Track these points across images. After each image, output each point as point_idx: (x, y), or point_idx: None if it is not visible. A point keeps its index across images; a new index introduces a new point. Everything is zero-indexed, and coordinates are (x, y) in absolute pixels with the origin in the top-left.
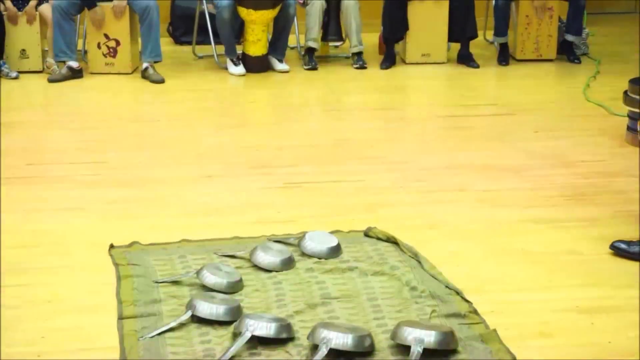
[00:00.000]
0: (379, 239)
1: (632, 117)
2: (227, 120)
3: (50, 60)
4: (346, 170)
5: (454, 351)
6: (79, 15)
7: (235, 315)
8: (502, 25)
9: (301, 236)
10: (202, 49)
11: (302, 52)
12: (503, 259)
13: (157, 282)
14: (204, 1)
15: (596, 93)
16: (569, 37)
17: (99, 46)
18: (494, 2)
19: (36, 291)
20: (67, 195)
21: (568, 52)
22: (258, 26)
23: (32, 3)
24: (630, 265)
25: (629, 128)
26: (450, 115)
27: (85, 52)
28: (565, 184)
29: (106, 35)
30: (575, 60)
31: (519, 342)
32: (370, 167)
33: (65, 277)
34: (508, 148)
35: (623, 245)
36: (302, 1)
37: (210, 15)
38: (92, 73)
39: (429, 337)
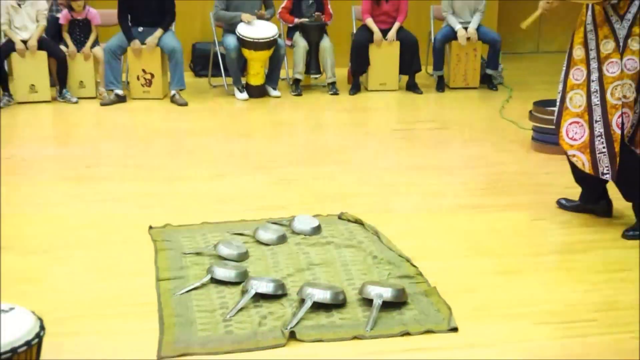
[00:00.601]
0: (349, 220)
1: (536, 130)
2: (235, 133)
3: (101, 89)
4: (324, 170)
5: (405, 303)
6: (122, 55)
7: (243, 278)
8: (439, 62)
9: (291, 219)
10: (215, 80)
11: (290, 82)
12: (441, 235)
13: (184, 254)
14: (217, 44)
15: (509, 113)
16: (489, 71)
17: (138, 78)
18: (433, 45)
19: (94, 260)
20: (114, 189)
21: (488, 82)
22: (257, 63)
23: (88, 45)
24: (535, 238)
25: (533, 138)
26: (401, 129)
27: (128, 82)
28: (486, 180)
29: (144, 70)
30: (494, 88)
31: (452, 296)
32: (341, 168)
33: (115, 249)
34: (444, 153)
35: (565, 201)
36: (289, 43)
37: (222, 55)
38: (133, 98)
39: (387, 293)
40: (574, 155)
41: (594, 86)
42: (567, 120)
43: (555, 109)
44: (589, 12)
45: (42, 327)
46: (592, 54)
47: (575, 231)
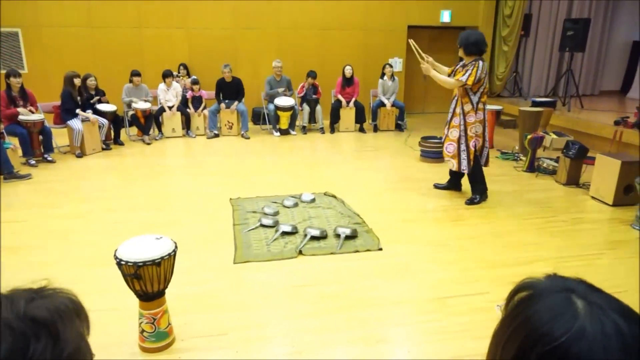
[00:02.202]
0: (329, 195)
1: (422, 151)
2: (272, 153)
3: (207, 130)
4: (317, 170)
5: (356, 236)
6: (217, 113)
7: (276, 224)
8: (375, 117)
9: (300, 194)
10: (263, 126)
11: (301, 127)
12: (374, 202)
13: (247, 212)
14: (265, 108)
15: (409, 142)
16: (399, 122)
17: (225, 125)
18: (372, 108)
19: (200, 214)
20: (212, 179)
21: (399, 128)
22: (284, 117)
23: (200, 109)
24: (420, 204)
25: (421, 155)
26: (355, 151)
27: (220, 127)
28: (397, 175)
29: (228, 121)
30: (402, 131)
31: (379, 232)
32: (326, 169)
33: (212, 209)
34: (377, 162)
35: (438, 184)
36: (300, 108)
37: (267, 113)
38: (222, 135)
39: (347, 231)
40: (449, 160)
41: (462, 126)
42: (445, 143)
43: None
44: (459, 91)
45: (176, 246)
46: (458, 110)
47: (441, 200)
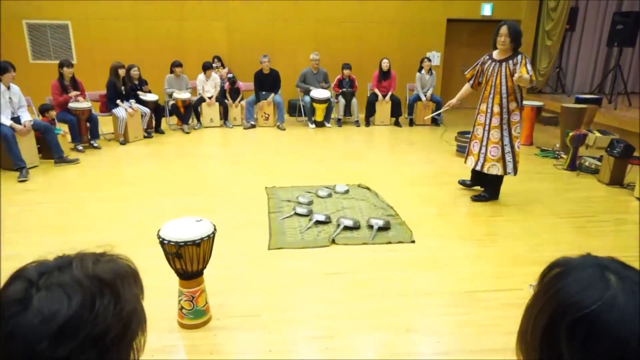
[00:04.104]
0: (363, 187)
1: (458, 146)
2: (307, 144)
3: (244, 121)
4: (349, 162)
5: (389, 228)
6: (255, 105)
7: (310, 213)
8: (411, 111)
9: (334, 185)
10: (299, 118)
11: (336, 120)
12: (408, 195)
13: (282, 200)
14: (300, 100)
15: (445, 137)
16: (435, 115)
17: (262, 116)
18: (408, 102)
19: (237, 202)
20: (248, 168)
21: (435, 122)
22: (320, 110)
23: (237, 100)
24: (452, 198)
25: (456, 150)
26: (391, 144)
27: (256, 118)
28: (432, 170)
29: (265, 112)
30: (438, 125)
31: (413, 225)
32: (360, 161)
33: (248, 197)
34: (412, 156)
35: (462, 181)
36: (336, 100)
37: (302, 105)
38: (259, 126)
39: (380, 222)
40: (494, 164)
41: (505, 125)
42: (488, 146)
43: (471, 137)
44: (507, 88)
45: (215, 229)
46: (497, 109)
47: (464, 195)
